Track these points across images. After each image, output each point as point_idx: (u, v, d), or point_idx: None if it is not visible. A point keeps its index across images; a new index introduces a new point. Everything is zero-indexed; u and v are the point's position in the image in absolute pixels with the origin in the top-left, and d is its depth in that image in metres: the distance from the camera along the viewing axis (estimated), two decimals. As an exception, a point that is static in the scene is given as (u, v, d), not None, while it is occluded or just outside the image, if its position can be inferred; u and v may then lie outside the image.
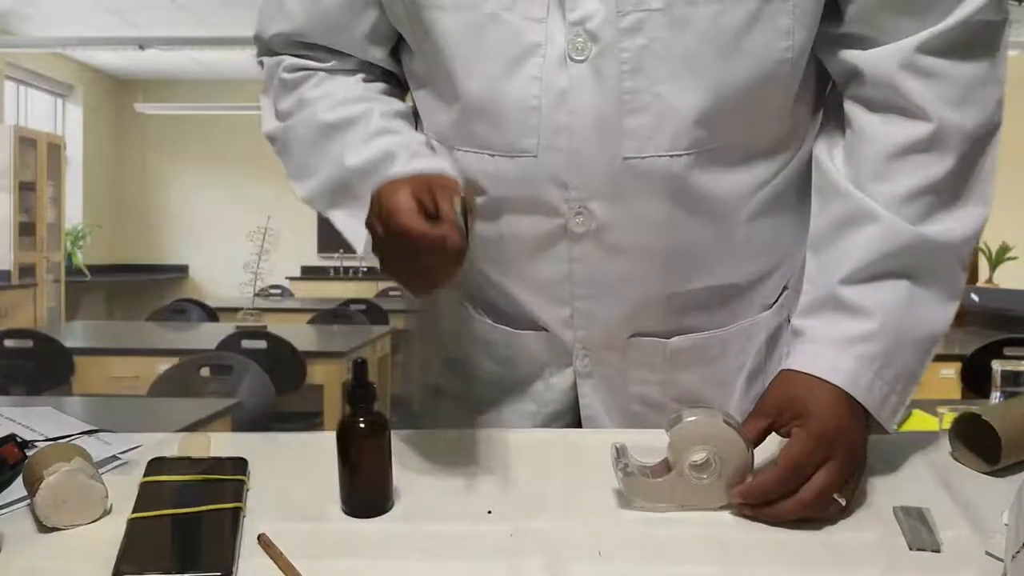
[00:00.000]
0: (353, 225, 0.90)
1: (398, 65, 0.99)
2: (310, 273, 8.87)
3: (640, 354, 0.94)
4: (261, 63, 1.00)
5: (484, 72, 0.87)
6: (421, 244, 0.72)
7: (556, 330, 0.95)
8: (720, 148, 0.86)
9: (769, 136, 0.89)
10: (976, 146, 0.82)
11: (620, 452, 0.76)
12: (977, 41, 0.81)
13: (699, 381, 0.95)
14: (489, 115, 0.88)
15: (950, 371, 3.38)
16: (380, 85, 0.99)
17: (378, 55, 0.97)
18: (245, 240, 4.33)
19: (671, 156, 0.85)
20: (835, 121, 0.89)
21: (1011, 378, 1.52)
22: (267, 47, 0.99)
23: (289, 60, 0.97)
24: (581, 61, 0.83)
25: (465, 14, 0.85)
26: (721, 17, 0.80)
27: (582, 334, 0.94)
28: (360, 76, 0.98)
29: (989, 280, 5.55)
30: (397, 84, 1.01)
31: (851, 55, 0.84)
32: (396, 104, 0.97)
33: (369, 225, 0.78)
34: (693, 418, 0.74)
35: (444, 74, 0.89)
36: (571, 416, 0.99)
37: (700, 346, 0.94)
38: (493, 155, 0.89)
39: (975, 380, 3.18)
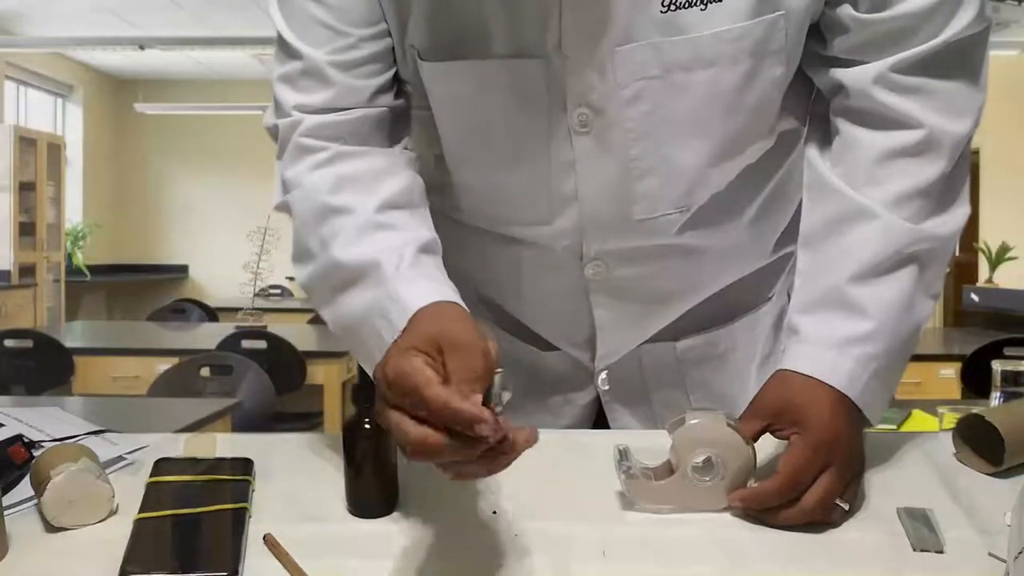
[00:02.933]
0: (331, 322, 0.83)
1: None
2: (310, 273, 8.85)
3: (652, 358, 0.97)
4: (275, 127, 0.89)
5: (490, 161, 0.89)
6: (446, 422, 0.57)
7: (575, 354, 0.99)
8: (723, 193, 0.88)
9: (764, 157, 0.90)
10: (964, 150, 0.83)
11: (623, 455, 0.76)
12: (960, 56, 0.81)
13: (715, 377, 0.98)
14: (497, 194, 0.91)
15: (950, 371, 3.39)
16: (389, 156, 0.89)
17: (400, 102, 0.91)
18: (245, 240, 4.34)
19: (681, 212, 0.87)
20: (825, 124, 0.89)
21: (1011, 378, 1.52)
22: (285, 114, 0.88)
23: (308, 123, 0.86)
24: (585, 133, 0.84)
25: (471, 105, 0.86)
26: (719, 80, 0.81)
27: (602, 363, 0.98)
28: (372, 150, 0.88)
29: (989, 280, 5.55)
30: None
31: (836, 72, 0.85)
32: (403, 182, 0.86)
33: (378, 412, 0.62)
34: (696, 421, 0.74)
35: (452, 160, 0.90)
36: (586, 428, 1.02)
37: (709, 343, 0.98)
38: (508, 223, 0.92)
39: (975, 380, 3.19)
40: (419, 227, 0.83)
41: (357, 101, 0.87)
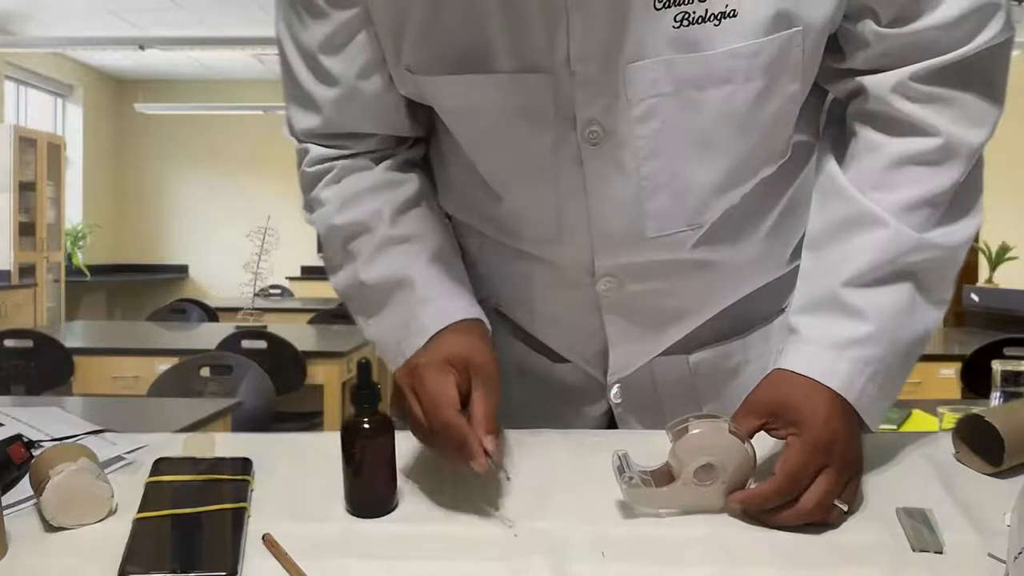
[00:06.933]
0: (381, 337, 0.92)
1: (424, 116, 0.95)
2: (310, 273, 8.86)
3: (665, 371, 0.97)
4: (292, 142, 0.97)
5: (499, 172, 0.89)
6: (455, 443, 0.74)
7: (587, 368, 0.99)
8: (737, 207, 0.87)
9: (778, 171, 0.89)
10: (978, 160, 0.82)
11: (623, 462, 0.76)
12: (981, 67, 0.80)
13: (728, 388, 0.97)
14: (508, 209, 0.91)
15: (950, 371, 3.38)
16: (394, 169, 0.95)
17: (404, 128, 0.94)
18: (245, 240, 4.33)
19: (694, 229, 0.87)
20: (838, 126, 0.88)
21: (1011, 378, 1.52)
22: (296, 137, 0.96)
23: (312, 152, 0.94)
24: (596, 150, 0.83)
25: (476, 121, 0.86)
26: (732, 98, 0.79)
27: (614, 376, 0.97)
28: (374, 162, 0.94)
29: (989, 280, 5.56)
30: (418, 146, 0.98)
31: (855, 79, 0.84)
32: (409, 190, 0.94)
33: (400, 385, 0.80)
34: (698, 431, 0.74)
35: (467, 167, 0.91)
36: None
37: (722, 355, 0.97)
38: (519, 239, 0.92)
39: (975, 380, 3.18)
40: (430, 231, 0.91)
41: (358, 128, 0.92)
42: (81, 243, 8.37)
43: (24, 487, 0.76)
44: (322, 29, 0.86)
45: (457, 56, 0.82)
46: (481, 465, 0.73)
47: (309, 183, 0.95)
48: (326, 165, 0.93)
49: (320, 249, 0.98)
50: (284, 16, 0.89)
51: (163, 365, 3.37)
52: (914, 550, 0.68)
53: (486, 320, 0.89)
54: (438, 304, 0.86)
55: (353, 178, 0.93)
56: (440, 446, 0.77)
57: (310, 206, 0.95)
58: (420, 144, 0.98)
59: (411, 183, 0.94)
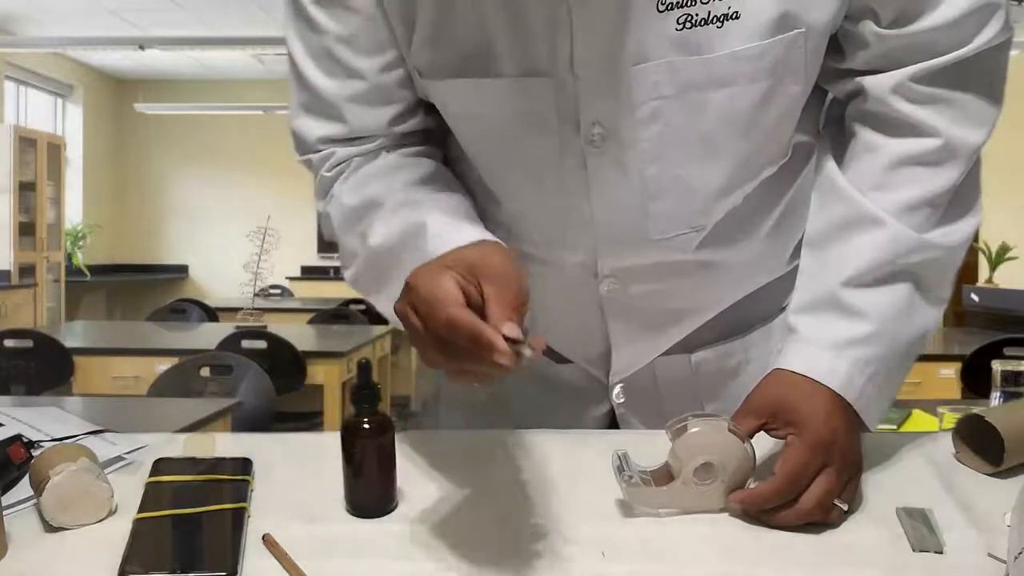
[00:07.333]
0: (388, 307, 0.82)
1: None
2: (310, 273, 8.87)
3: (666, 371, 0.97)
4: (308, 162, 0.93)
5: (503, 175, 0.89)
6: (467, 339, 0.60)
7: (589, 369, 0.99)
8: (740, 208, 0.87)
9: (779, 171, 0.88)
10: (977, 160, 0.82)
11: (623, 462, 0.76)
12: (981, 67, 0.80)
13: (729, 387, 0.97)
14: (512, 211, 0.90)
15: (950, 371, 3.38)
16: (412, 153, 0.92)
17: (420, 125, 0.93)
18: (245, 240, 4.34)
19: (697, 231, 0.87)
20: (837, 126, 0.88)
21: (1011, 378, 1.52)
22: (311, 148, 0.92)
23: (338, 154, 0.91)
24: (599, 153, 0.82)
25: (480, 125, 0.86)
26: (736, 100, 0.79)
27: (616, 377, 0.97)
28: (388, 151, 0.91)
29: (989, 280, 5.56)
30: (432, 143, 0.95)
31: (855, 80, 0.84)
32: (425, 168, 0.90)
33: (400, 313, 0.67)
34: (697, 429, 0.74)
35: (470, 169, 0.90)
36: None
37: (723, 354, 0.97)
38: (522, 241, 0.91)
39: (975, 380, 3.18)
40: (445, 196, 0.86)
41: (377, 129, 0.90)
42: (81, 243, 8.38)
43: (24, 487, 0.76)
44: (340, 23, 0.85)
45: (461, 60, 0.82)
46: (505, 356, 0.58)
47: (327, 186, 0.92)
48: (343, 164, 0.91)
49: (321, 249, 0.96)
50: (293, 23, 0.88)
51: (163, 365, 3.37)
52: (914, 550, 0.69)
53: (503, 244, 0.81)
54: (452, 233, 0.76)
55: (367, 165, 0.91)
56: (454, 355, 0.62)
57: (326, 207, 0.92)
58: (437, 144, 0.97)
59: (426, 165, 0.91)
